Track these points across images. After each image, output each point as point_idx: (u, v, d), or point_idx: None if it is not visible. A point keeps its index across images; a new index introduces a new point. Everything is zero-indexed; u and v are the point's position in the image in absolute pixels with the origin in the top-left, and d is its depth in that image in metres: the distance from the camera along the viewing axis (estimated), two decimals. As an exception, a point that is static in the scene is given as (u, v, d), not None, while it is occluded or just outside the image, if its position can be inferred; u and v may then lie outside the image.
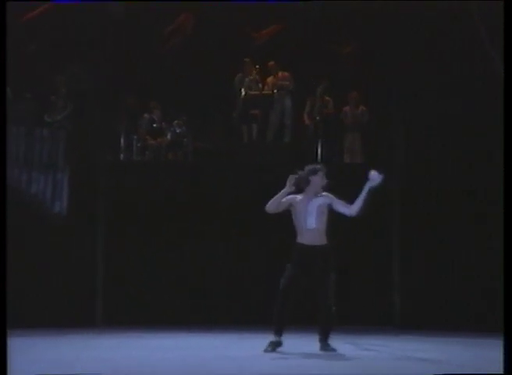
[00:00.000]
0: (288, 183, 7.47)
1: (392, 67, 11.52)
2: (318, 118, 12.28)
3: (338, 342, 7.67)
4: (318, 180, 7.52)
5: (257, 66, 12.46)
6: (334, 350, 7.46)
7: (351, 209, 7.51)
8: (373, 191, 11.11)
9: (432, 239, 11.12)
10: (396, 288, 11.27)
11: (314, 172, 7.54)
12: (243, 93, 12.40)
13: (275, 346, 7.47)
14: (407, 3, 11.18)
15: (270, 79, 12.54)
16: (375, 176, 7.42)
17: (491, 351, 7.41)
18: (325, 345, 7.49)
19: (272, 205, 7.52)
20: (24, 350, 7.73)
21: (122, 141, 12.27)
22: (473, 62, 10.85)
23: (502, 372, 5.57)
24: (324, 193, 7.57)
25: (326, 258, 7.45)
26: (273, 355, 7.32)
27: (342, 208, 7.55)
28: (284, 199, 7.53)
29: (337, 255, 7.56)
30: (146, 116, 12.43)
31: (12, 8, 10.81)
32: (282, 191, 7.50)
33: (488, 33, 10.42)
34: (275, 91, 12.44)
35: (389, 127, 11.74)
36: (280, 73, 12.43)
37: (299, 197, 7.56)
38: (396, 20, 11.37)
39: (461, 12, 10.82)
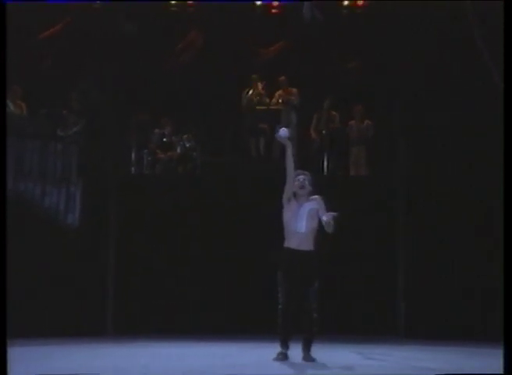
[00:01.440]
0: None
1: (396, 79, 11.66)
2: (324, 132, 12.49)
3: (343, 351, 7.75)
4: (295, 185, 7.55)
5: (264, 82, 12.69)
6: (313, 360, 7.43)
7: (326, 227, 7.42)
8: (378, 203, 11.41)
9: (438, 249, 11.11)
10: (401, 297, 11.32)
11: (300, 174, 7.60)
12: (251, 108, 12.63)
13: (283, 357, 7.50)
14: (410, 17, 11.31)
15: (277, 93, 12.75)
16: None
17: (496, 361, 7.20)
18: (306, 354, 7.48)
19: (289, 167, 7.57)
20: (34, 359, 7.84)
21: (133, 155, 12.48)
22: (479, 72, 10.77)
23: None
24: (316, 196, 7.58)
25: (311, 265, 7.42)
26: (280, 364, 7.37)
27: (323, 218, 7.44)
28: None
29: (323, 262, 7.55)
30: (156, 130, 12.64)
31: (27, 26, 11.27)
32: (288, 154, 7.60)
33: (484, 33, 10.43)
34: (279, 100, 12.63)
35: (393, 139, 11.83)
36: (288, 89, 12.65)
37: (294, 200, 7.58)
38: (399, 34, 11.50)
39: (463, 17, 10.82)
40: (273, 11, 12.61)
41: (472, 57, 10.61)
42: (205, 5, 12.24)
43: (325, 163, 12.36)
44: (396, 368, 7.47)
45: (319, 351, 7.63)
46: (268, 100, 12.80)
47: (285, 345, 7.56)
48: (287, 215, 7.56)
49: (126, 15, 11.86)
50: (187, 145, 12.57)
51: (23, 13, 10.84)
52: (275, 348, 7.65)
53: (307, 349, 7.50)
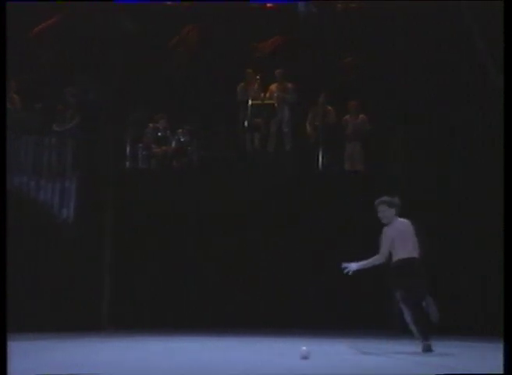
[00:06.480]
0: None
1: (392, 75, 11.71)
2: (319, 127, 12.51)
3: (340, 345, 7.75)
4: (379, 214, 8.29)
5: (259, 77, 12.69)
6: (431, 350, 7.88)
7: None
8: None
9: (433, 242, 11.21)
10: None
11: (375, 207, 8.29)
12: (246, 102, 12.64)
13: (428, 348, 7.91)
14: (407, 13, 11.35)
15: (272, 87, 12.75)
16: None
17: (494, 355, 7.16)
18: (426, 346, 7.89)
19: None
20: (32, 353, 7.85)
21: (127, 149, 12.47)
22: (473, 67, 10.90)
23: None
24: (404, 221, 8.29)
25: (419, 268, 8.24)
26: (275, 357, 7.42)
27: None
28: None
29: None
30: (151, 125, 12.64)
31: (23, 20, 11.25)
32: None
33: (482, 32, 10.48)
34: (275, 95, 12.62)
35: (388, 134, 11.89)
36: (283, 83, 12.65)
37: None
38: (395, 30, 11.55)
39: (462, 19, 10.90)
40: (268, 5, 12.63)
41: (469, 53, 10.66)
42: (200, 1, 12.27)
43: (320, 158, 12.38)
44: (393, 361, 7.55)
45: (315, 347, 7.65)
46: (262, 95, 12.80)
47: (427, 337, 7.97)
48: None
49: (122, 12, 11.86)
50: (182, 140, 12.58)
51: (20, 9, 10.82)
52: (273, 344, 7.83)
53: (425, 340, 7.96)
